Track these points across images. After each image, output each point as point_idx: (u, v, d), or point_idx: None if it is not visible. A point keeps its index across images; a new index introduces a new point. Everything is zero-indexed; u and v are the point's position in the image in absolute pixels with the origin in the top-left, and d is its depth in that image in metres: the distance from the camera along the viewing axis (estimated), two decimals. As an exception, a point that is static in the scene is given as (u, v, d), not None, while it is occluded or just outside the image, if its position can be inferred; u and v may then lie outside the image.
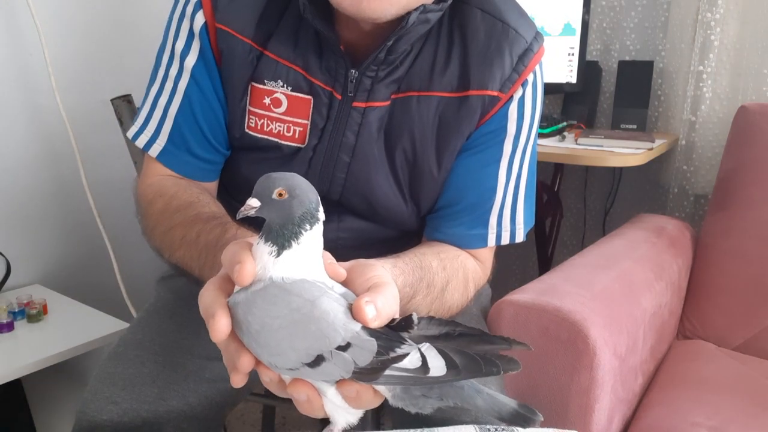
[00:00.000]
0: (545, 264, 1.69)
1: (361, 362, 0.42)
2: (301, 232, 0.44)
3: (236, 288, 0.45)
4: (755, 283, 1.25)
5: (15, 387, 1.29)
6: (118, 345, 0.77)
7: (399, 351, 0.43)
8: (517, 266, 1.99)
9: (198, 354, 0.76)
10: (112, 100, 1.11)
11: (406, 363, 0.42)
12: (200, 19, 0.73)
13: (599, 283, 1.00)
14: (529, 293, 0.93)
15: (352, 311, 0.43)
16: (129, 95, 1.11)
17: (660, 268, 1.18)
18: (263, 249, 0.44)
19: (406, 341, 0.44)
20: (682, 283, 1.31)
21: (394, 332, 0.44)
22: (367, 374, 0.42)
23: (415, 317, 0.46)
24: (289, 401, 0.47)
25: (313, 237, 0.45)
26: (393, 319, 0.46)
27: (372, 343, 0.42)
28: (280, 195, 0.43)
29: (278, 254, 0.44)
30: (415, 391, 0.45)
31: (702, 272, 1.33)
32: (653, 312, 1.09)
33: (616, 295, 1.00)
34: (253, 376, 0.88)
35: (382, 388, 0.45)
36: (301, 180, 0.45)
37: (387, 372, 0.42)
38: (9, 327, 1.19)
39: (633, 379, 1.02)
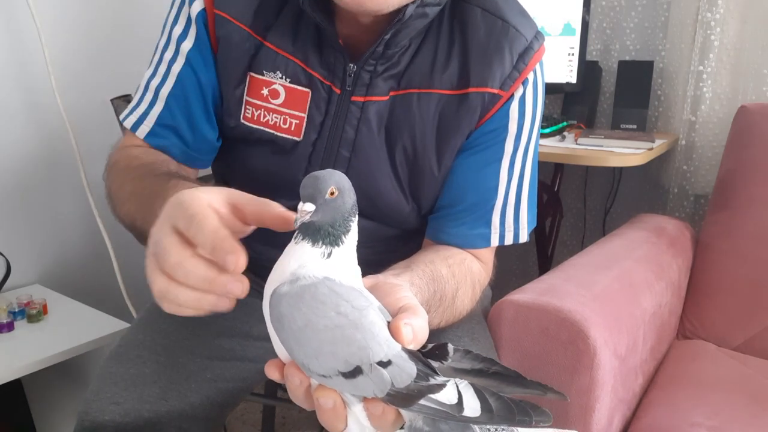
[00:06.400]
0: (545, 264, 1.69)
1: (398, 383, 0.41)
2: (350, 225, 0.43)
3: (273, 282, 0.43)
4: (755, 283, 1.25)
5: (15, 387, 1.29)
6: (119, 345, 0.78)
7: (436, 380, 0.41)
8: (517, 266, 2.00)
9: (199, 354, 0.76)
10: (112, 100, 1.11)
11: (441, 396, 0.41)
12: (198, 5, 0.73)
13: (599, 283, 1.00)
14: (529, 293, 0.93)
15: (390, 330, 0.42)
16: (129, 95, 1.11)
17: (660, 268, 1.18)
18: (311, 252, 0.42)
19: (438, 373, 0.42)
20: (682, 283, 1.31)
21: (427, 360, 0.43)
22: (401, 399, 0.41)
23: (450, 348, 0.44)
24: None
25: (355, 227, 0.44)
26: (425, 345, 0.44)
27: (412, 367, 0.41)
28: (332, 194, 0.42)
29: (330, 255, 0.43)
30: (442, 425, 0.43)
31: (702, 272, 1.33)
32: (653, 312, 1.09)
33: (616, 295, 1.00)
34: (254, 376, 0.88)
35: (405, 414, 0.43)
36: (341, 174, 0.44)
37: (421, 401, 0.41)
38: (9, 327, 1.19)
39: (633, 379, 1.02)
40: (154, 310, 0.83)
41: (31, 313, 1.22)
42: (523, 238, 0.80)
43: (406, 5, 0.65)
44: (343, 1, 0.63)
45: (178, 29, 0.75)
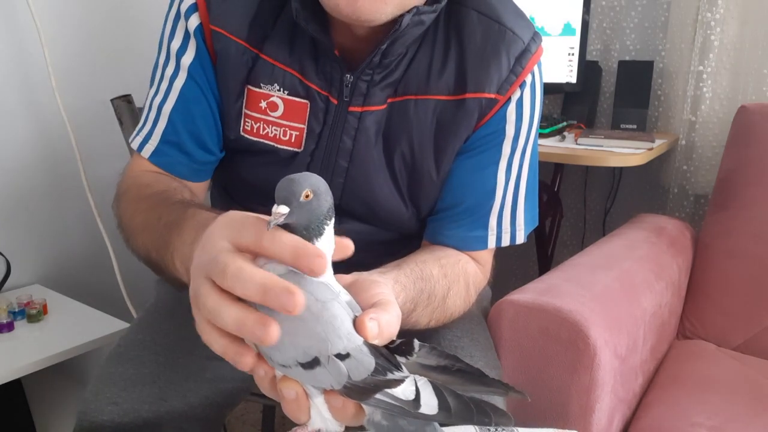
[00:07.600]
0: (545, 264, 1.69)
1: (355, 376, 0.41)
2: (323, 228, 0.44)
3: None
4: (755, 283, 1.25)
5: (15, 387, 1.29)
6: (118, 345, 0.77)
7: (394, 375, 0.42)
8: (517, 266, 2.00)
9: (199, 354, 0.76)
10: (112, 100, 1.11)
11: (398, 392, 0.42)
12: (195, 20, 0.73)
13: (599, 283, 1.00)
14: (529, 293, 0.93)
15: (356, 325, 0.43)
16: (129, 95, 1.11)
17: (660, 268, 1.18)
18: None
19: (402, 368, 0.43)
20: (682, 283, 1.31)
21: (392, 355, 0.44)
22: (358, 392, 0.42)
23: (416, 344, 0.45)
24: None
25: (330, 230, 0.45)
26: (393, 341, 0.45)
27: (370, 361, 0.42)
28: (307, 196, 0.42)
29: None
30: (400, 421, 0.43)
31: (702, 272, 1.33)
32: (653, 312, 1.09)
33: (616, 295, 1.00)
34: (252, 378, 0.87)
35: (365, 408, 0.44)
36: (318, 177, 0.44)
37: (377, 395, 0.41)
38: (9, 327, 1.19)
39: (633, 379, 1.02)
40: (154, 310, 0.83)
41: (31, 313, 1.22)
42: (520, 239, 0.80)
43: (402, 15, 0.65)
44: (338, 12, 0.63)
45: (176, 43, 0.75)
